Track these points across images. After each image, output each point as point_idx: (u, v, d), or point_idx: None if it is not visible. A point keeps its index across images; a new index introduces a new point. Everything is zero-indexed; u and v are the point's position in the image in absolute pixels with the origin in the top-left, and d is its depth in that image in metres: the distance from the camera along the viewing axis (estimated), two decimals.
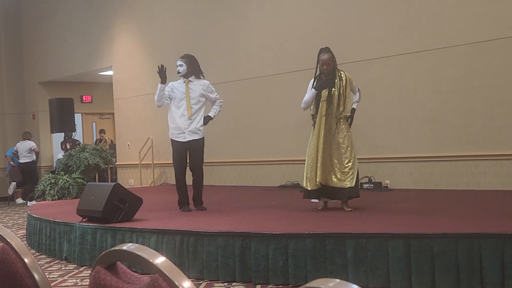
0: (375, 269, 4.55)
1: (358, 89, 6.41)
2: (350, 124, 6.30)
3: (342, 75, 6.26)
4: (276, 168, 10.39)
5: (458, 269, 4.31)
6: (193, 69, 7.03)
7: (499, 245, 4.20)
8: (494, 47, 7.85)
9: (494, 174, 7.86)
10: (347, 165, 6.17)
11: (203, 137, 7.05)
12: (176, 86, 7.04)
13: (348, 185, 6.15)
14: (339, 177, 6.20)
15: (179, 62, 7.00)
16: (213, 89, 7.15)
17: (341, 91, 6.20)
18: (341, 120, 6.22)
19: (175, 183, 7.15)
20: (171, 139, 7.06)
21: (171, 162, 7.15)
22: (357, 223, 5.25)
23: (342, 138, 6.20)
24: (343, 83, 6.23)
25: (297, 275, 4.79)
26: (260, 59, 10.42)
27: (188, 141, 6.94)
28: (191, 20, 12.01)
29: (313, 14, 9.91)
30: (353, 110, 6.32)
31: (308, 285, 0.95)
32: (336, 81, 6.24)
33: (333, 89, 6.20)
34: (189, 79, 6.99)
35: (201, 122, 6.97)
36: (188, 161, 7.08)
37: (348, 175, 6.17)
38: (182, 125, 6.93)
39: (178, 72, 6.97)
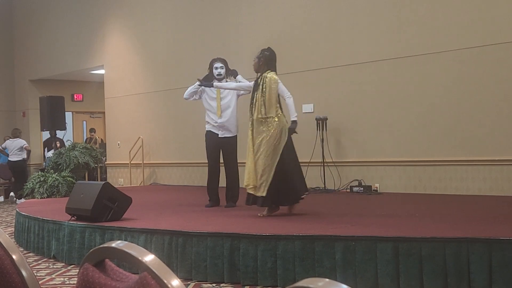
0: (363, 272, 4.56)
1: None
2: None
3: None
4: None
5: (446, 273, 4.33)
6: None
7: (487, 250, 4.22)
8: (484, 53, 7.89)
9: (482, 179, 7.90)
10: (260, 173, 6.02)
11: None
12: None
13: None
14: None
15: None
16: None
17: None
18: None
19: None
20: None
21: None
22: (346, 226, 5.27)
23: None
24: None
25: (286, 277, 4.79)
26: (250, 61, 10.39)
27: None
28: (182, 21, 12.00)
29: (304, 18, 9.92)
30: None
31: (297, 284, 0.95)
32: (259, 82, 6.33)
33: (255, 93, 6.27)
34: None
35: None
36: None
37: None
38: None
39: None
